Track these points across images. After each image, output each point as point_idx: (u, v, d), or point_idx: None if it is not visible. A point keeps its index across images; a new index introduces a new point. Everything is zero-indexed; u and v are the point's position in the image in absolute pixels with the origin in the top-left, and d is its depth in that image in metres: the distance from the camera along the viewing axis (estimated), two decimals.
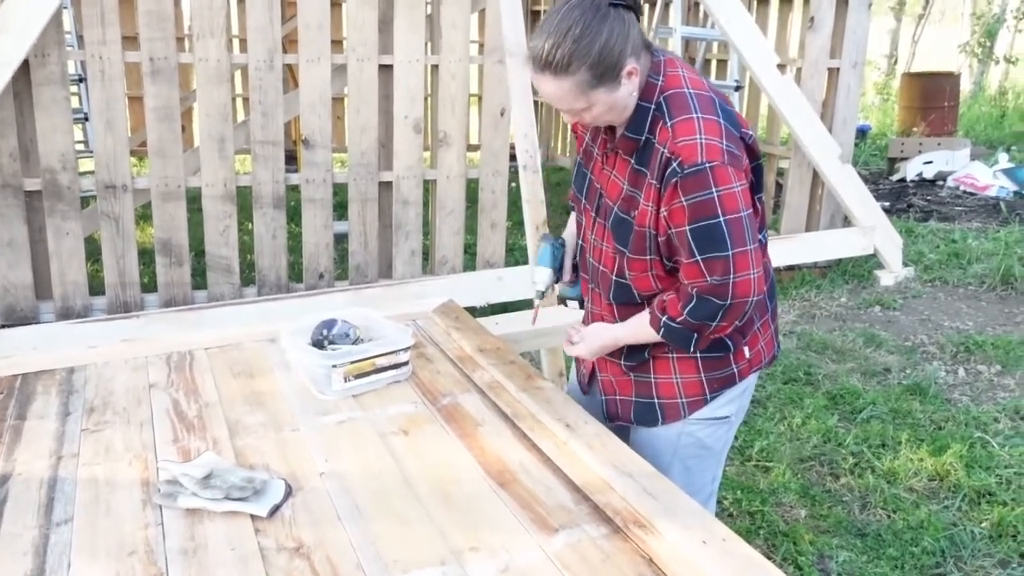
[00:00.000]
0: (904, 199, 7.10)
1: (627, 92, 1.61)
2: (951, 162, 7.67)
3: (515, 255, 5.19)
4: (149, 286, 4.20)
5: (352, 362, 2.01)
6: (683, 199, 1.58)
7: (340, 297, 4.09)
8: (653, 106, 1.64)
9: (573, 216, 2.01)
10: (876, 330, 4.36)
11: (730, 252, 1.58)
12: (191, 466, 1.61)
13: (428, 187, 4.42)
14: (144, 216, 5.17)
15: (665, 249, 1.68)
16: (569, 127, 1.87)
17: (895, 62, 14.45)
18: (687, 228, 1.59)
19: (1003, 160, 7.81)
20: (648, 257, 1.71)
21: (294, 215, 5.06)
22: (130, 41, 4.13)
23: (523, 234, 5.60)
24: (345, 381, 2.01)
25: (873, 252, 5.15)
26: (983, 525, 2.68)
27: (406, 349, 2.10)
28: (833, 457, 3.11)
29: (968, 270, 5.18)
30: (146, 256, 4.43)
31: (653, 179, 1.63)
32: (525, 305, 4.21)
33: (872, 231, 5.12)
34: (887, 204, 6.67)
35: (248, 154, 4.32)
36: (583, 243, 1.91)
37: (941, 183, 7.54)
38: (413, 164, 4.26)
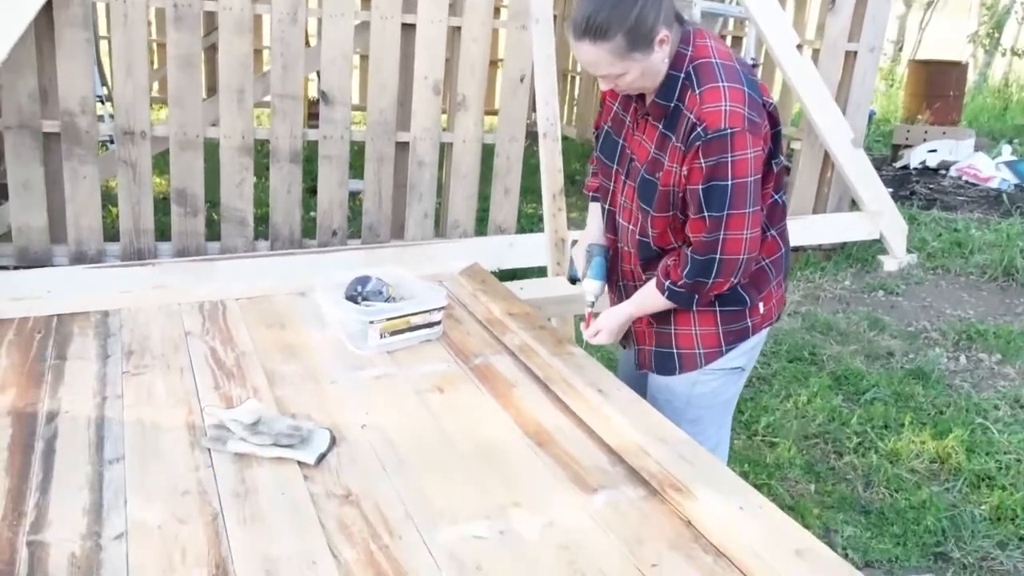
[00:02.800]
0: (907, 186, 7.14)
1: (659, 59, 1.73)
2: (955, 152, 7.70)
3: (523, 222, 5.21)
4: (161, 234, 4.20)
5: (389, 319, 2.05)
6: (702, 161, 1.72)
7: (353, 255, 4.10)
8: (683, 75, 1.76)
9: (595, 208, 2.12)
10: (879, 314, 4.42)
11: (725, 212, 1.73)
12: (239, 412, 1.65)
13: (444, 149, 4.42)
14: (157, 164, 5.13)
15: (681, 204, 1.82)
16: (596, 96, 1.96)
17: (901, 48, 14.42)
18: (700, 187, 1.74)
19: (1006, 152, 7.84)
20: (670, 213, 1.84)
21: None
22: None
23: (530, 201, 5.62)
24: (381, 337, 2.04)
25: (878, 237, 5.20)
26: (983, 508, 2.76)
27: (440, 309, 2.13)
28: (838, 436, 3.18)
29: (970, 260, 5.25)
30: (158, 204, 4.42)
31: (679, 142, 1.76)
32: (536, 272, 4.24)
33: (879, 216, 5.16)
34: (891, 190, 6.69)
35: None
36: (611, 207, 2.02)
37: (944, 172, 7.57)
38: (430, 126, 4.26)
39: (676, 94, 1.76)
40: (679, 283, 1.83)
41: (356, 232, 4.46)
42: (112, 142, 3.93)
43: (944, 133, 8.07)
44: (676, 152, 1.77)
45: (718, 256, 1.77)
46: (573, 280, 2.17)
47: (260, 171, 4.58)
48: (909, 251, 5.30)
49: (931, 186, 7.17)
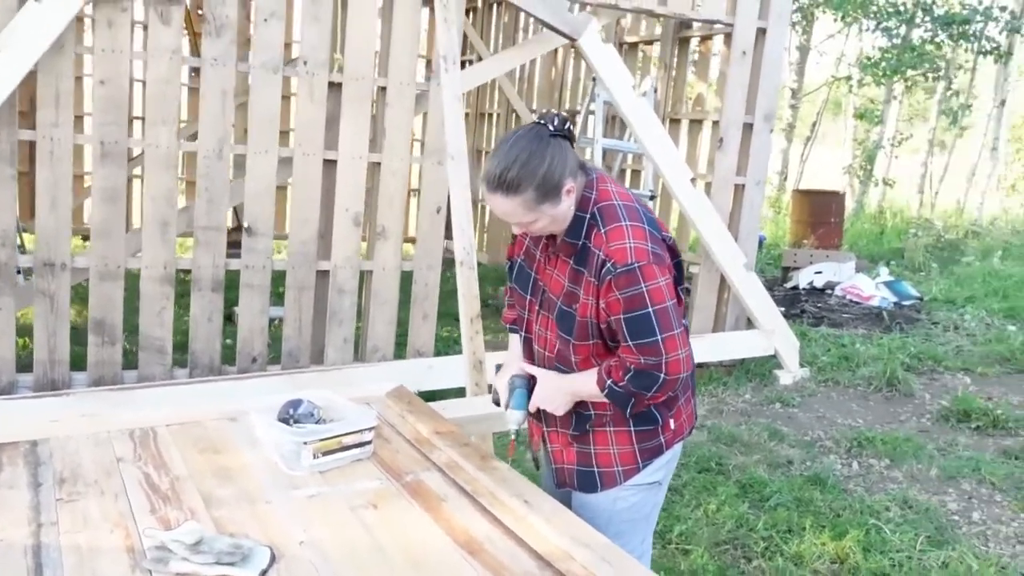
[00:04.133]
0: (797, 305, 7.66)
1: (567, 206, 1.93)
2: (838, 273, 8.34)
3: (439, 345, 5.36)
4: (75, 363, 4.16)
5: (322, 439, 2.14)
6: (617, 293, 1.89)
7: (273, 381, 4.15)
8: (588, 216, 1.96)
9: (514, 339, 2.28)
10: (778, 425, 4.70)
11: (659, 337, 1.89)
12: (180, 533, 1.70)
13: (363, 276, 4.58)
14: (76, 293, 5.10)
15: (608, 333, 1.97)
16: (507, 225, 2.15)
17: (786, 179, 15.60)
18: (622, 317, 1.90)
19: (883, 273, 8.54)
20: (591, 342, 2.00)
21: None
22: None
23: (445, 324, 5.80)
24: (314, 457, 2.13)
25: (773, 353, 5.56)
26: None
27: (371, 429, 2.24)
28: (746, 541, 3.35)
29: (857, 372, 5.65)
30: (73, 334, 4.39)
31: (591, 277, 1.94)
32: (454, 393, 4.37)
33: (772, 334, 5.54)
34: (783, 309, 7.17)
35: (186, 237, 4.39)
36: (528, 334, 2.18)
37: (830, 292, 8.16)
38: (351, 255, 4.43)
39: (584, 233, 1.95)
40: (620, 384, 1.94)
41: (275, 358, 4.52)
42: (31, 274, 3.94)
43: (828, 256, 8.75)
44: (590, 286, 1.94)
45: (663, 376, 1.90)
46: (497, 403, 2.28)
47: (178, 298, 4.62)
48: (802, 365, 5.68)
49: (819, 305, 7.71)
